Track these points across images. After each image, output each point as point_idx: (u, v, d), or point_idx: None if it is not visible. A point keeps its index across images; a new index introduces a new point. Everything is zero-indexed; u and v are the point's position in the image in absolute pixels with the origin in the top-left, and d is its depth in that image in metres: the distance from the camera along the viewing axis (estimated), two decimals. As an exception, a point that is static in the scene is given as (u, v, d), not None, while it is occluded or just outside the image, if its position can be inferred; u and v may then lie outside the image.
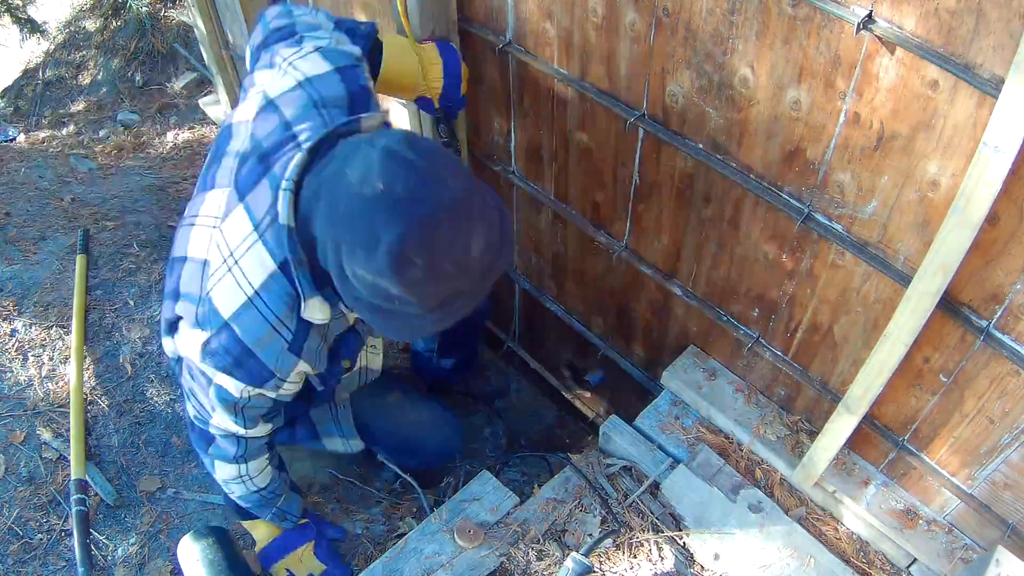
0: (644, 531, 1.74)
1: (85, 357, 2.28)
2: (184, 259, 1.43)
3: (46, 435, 2.09)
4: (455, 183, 1.17)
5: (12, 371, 2.24)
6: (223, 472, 1.65)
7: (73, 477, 1.96)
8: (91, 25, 5.03)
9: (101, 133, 4.38)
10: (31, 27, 4.86)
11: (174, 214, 3.20)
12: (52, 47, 5.09)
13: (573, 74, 1.74)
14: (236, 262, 1.32)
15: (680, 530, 1.75)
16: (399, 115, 2.37)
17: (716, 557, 1.69)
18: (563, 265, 2.29)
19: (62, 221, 2.86)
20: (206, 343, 1.35)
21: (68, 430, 2.07)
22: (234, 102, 3.55)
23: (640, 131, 1.69)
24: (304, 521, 1.89)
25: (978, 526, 1.61)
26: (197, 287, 1.38)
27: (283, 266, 1.30)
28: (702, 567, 1.69)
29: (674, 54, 1.49)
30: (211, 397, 1.43)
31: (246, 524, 1.90)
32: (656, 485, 1.83)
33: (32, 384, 2.21)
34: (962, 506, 1.61)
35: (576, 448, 2.01)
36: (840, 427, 1.59)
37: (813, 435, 1.80)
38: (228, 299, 1.33)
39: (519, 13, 1.75)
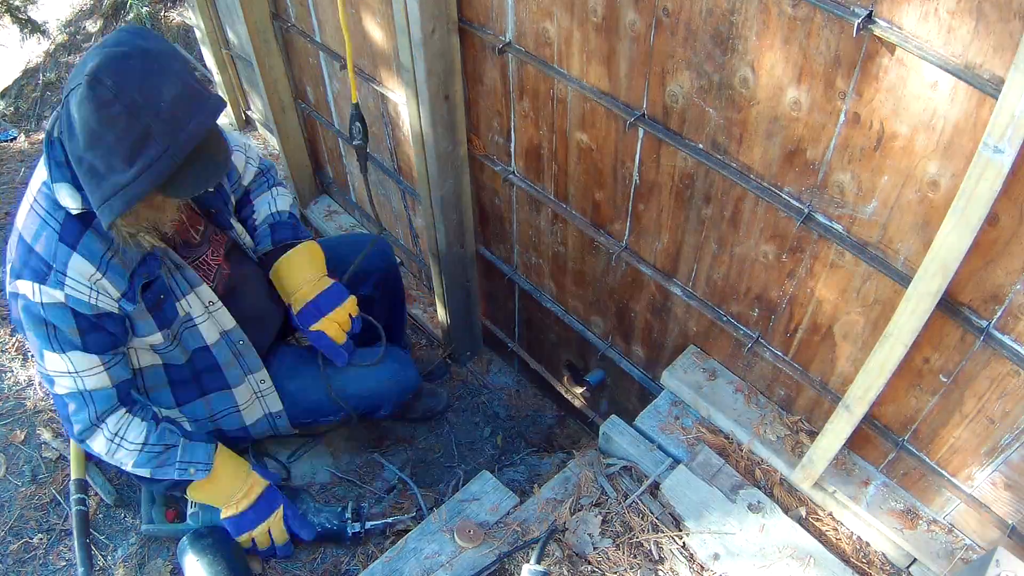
0: (644, 531, 1.74)
1: (85, 357, 2.28)
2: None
3: (46, 435, 2.09)
4: (157, 45, 1.40)
5: (12, 371, 2.24)
6: (97, 446, 1.67)
7: (73, 477, 1.96)
8: (92, 25, 5.03)
9: (101, 133, 4.38)
10: (31, 27, 4.87)
11: (174, 214, 3.20)
12: (52, 47, 5.09)
13: (573, 74, 1.74)
14: (31, 195, 1.54)
15: (680, 530, 1.75)
16: (401, 108, 2.37)
17: (716, 557, 1.69)
18: (563, 265, 2.29)
19: (62, 221, 2.86)
20: (11, 264, 1.54)
21: (68, 430, 2.07)
22: (233, 102, 3.56)
23: (640, 131, 1.69)
24: (262, 485, 1.87)
25: (978, 526, 1.61)
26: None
27: (49, 173, 1.47)
28: (702, 567, 1.69)
29: (674, 54, 1.49)
30: (22, 317, 1.54)
31: (193, 495, 1.83)
32: (656, 485, 1.83)
33: (32, 384, 2.21)
34: (962, 506, 1.61)
35: (576, 448, 2.01)
36: (840, 427, 1.59)
37: (813, 435, 1.80)
38: (21, 216, 1.55)
39: (519, 13, 1.75)
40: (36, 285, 1.49)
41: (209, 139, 1.40)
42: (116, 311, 1.57)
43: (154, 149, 1.32)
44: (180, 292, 1.69)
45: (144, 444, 1.68)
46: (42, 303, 1.50)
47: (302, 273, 1.92)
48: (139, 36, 1.39)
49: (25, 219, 1.53)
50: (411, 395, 2.21)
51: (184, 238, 1.72)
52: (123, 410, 1.68)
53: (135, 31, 1.40)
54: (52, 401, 1.80)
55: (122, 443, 1.67)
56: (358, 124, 1.97)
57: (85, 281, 1.50)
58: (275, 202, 2.01)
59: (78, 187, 1.45)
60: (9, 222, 2.75)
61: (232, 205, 1.93)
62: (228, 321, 1.80)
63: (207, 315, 1.75)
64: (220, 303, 1.77)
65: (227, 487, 1.83)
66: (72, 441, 2.02)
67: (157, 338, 1.67)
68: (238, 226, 1.93)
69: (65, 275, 1.49)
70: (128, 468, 1.71)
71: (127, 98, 1.30)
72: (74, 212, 1.48)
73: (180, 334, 1.73)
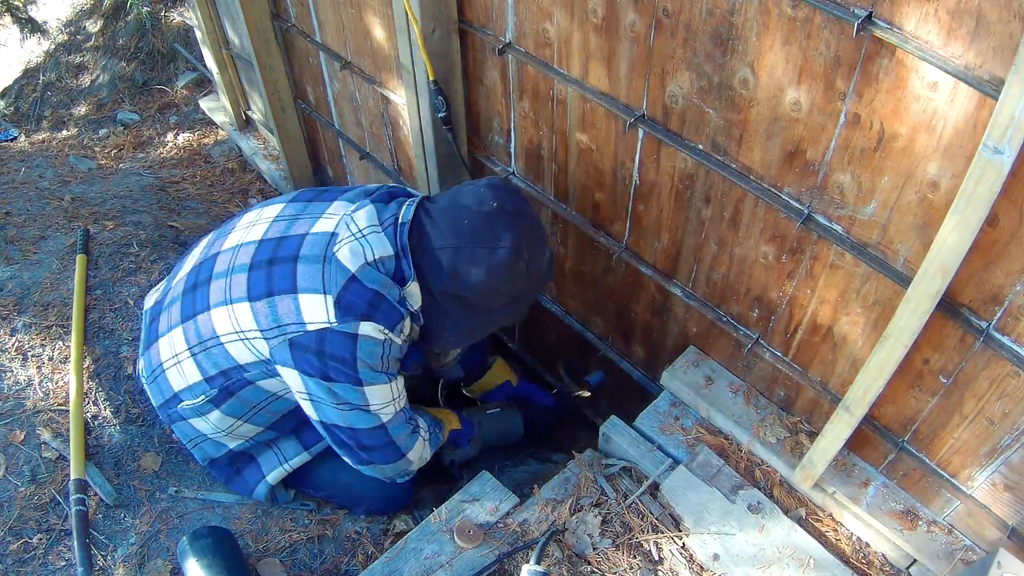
0: (643, 531, 1.74)
1: (85, 357, 2.28)
2: (301, 235, 1.66)
3: (46, 435, 2.09)
4: (535, 210, 1.72)
5: (12, 371, 2.24)
6: (416, 455, 1.83)
7: (73, 477, 1.96)
8: (92, 25, 5.03)
9: (101, 133, 4.38)
10: (32, 27, 4.88)
11: (174, 214, 3.20)
12: (53, 47, 5.09)
13: (573, 75, 1.74)
14: (364, 236, 1.62)
15: (679, 531, 1.75)
16: (401, 109, 2.37)
17: (715, 558, 1.69)
18: (563, 265, 2.29)
19: (62, 221, 2.86)
20: (337, 301, 1.56)
21: (68, 430, 2.07)
22: (234, 102, 3.55)
23: (640, 132, 1.69)
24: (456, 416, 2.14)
25: (978, 528, 1.60)
26: (320, 250, 1.62)
27: (396, 256, 1.62)
28: (701, 568, 1.69)
29: (674, 55, 1.49)
30: (357, 363, 1.58)
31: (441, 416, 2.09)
32: (656, 486, 1.83)
33: (32, 384, 2.21)
34: (962, 507, 1.61)
35: (576, 449, 2.01)
36: (840, 428, 1.59)
37: (813, 436, 1.80)
38: (353, 258, 1.59)
39: (519, 14, 1.75)
40: (386, 329, 1.59)
41: None
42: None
43: (520, 305, 1.74)
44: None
45: (431, 444, 1.91)
46: (389, 343, 1.61)
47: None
48: (524, 202, 1.68)
49: (362, 267, 1.58)
50: (392, 510, 2.19)
51: None
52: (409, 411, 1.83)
53: (517, 193, 1.68)
54: (334, 438, 1.78)
55: (430, 436, 1.90)
56: (441, 98, 1.98)
57: (407, 336, 1.68)
58: None
59: (424, 288, 1.64)
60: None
61: None
62: None
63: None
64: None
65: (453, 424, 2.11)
66: (71, 440, 2.03)
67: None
68: None
69: (404, 327, 1.64)
70: (423, 462, 1.91)
71: (534, 268, 1.65)
72: (413, 308, 1.66)
73: None
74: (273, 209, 1.79)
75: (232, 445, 1.91)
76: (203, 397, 1.76)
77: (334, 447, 1.77)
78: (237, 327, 1.63)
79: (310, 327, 1.56)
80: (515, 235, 1.58)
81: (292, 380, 1.63)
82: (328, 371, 1.57)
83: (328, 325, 1.55)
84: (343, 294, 1.55)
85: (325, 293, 1.56)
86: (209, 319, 1.68)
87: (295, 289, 1.58)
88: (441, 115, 1.99)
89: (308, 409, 1.68)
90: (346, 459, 1.78)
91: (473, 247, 1.58)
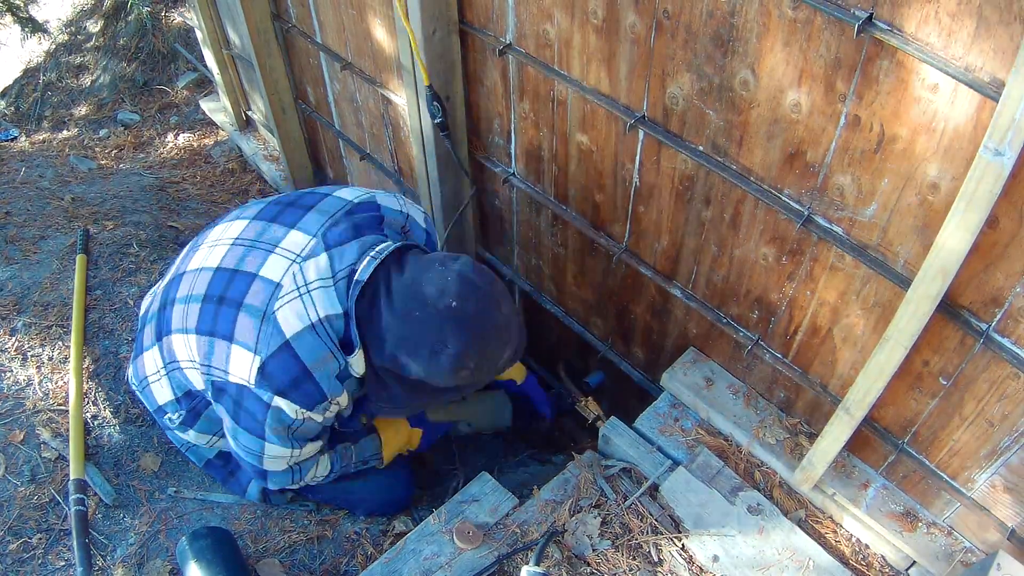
0: (643, 533, 1.74)
1: (85, 357, 2.28)
2: (251, 275, 1.56)
3: (45, 435, 2.08)
4: (505, 308, 1.55)
5: (12, 371, 2.24)
6: (291, 485, 1.80)
7: (72, 477, 1.96)
8: (92, 25, 5.03)
9: (102, 133, 4.38)
10: (32, 26, 4.88)
11: (174, 214, 3.20)
12: (53, 47, 5.09)
13: (573, 76, 1.74)
14: (308, 292, 1.51)
15: (679, 532, 1.74)
16: (402, 110, 2.37)
17: (715, 559, 1.69)
18: (563, 267, 2.29)
19: (62, 221, 2.86)
20: (262, 367, 1.47)
21: (67, 430, 2.07)
22: (234, 103, 3.56)
23: (640, 133, 1.69)
24: (418, 432, 2.07)
25: (978, 529, 1.60)
26: (262, 303, 1.52)
27: (344, 314, 1.52)
28: (701, 569, 1.69)
29: (674, 56, 1.49)
30: (265, 426, 1.54)
31: (387, 461, 2.03)
32: (655, 487, 1.83)
33: (32, 384, 2.21)
34: (962, 509, 1.61)
35: (576, 450, 2.01)
36: (839, 430, 1.59)
37: (812, 437, 1.80)
38: (293, 320, 1.49)
39: (519, 15, 1.76)
40: (302, 409, 1.53)
41: None
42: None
43: (469, 387, 1.65)
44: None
45: (332, 467, 1.86)
46: (303, 420, 1.56)
47: None
48: (492, 304, 1.52)
49: (301, 332, 1.49)
50: (392, 511, 2.18)
51: None
52: (315, 462, 1.80)
53: (486, 293, 1.52)
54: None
55: (315, 477, 1.84)
56: (436, 104, 1.96)
57: (336, 406, 1.61)
58: None
59: (367, 358, 1.56)
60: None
61: None
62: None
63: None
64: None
65: (399, 447, 2.03)
66: (71, 440, 2.03)
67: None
68: None
69: (331, 404, 1.57)
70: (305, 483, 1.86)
71: (481, 373, 1.56)
72: (357, 375, 1.57)
73: None
74: (237, 227, 1.70)
75: (223, 447, 1.93)
76: (178, 415, 1.82)
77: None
78: (190, 354, 1.63)
79: (231, 378, 1.54)
80: (463, 343, 1.47)
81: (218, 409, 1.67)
82: (239, 418, 1.58)
83: (247, 384, 1.52)
84: (269, 361, 1.48)
85: (255, 353, 1.49)
86: (171, 343, 1.68)
87: (232, 338, 1.52)
88: (437, 121, 1.99)
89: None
90: None
91: (415, 343, 1.48)
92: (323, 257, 1.55)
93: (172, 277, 1.78)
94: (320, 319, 1.50)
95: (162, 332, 1.72)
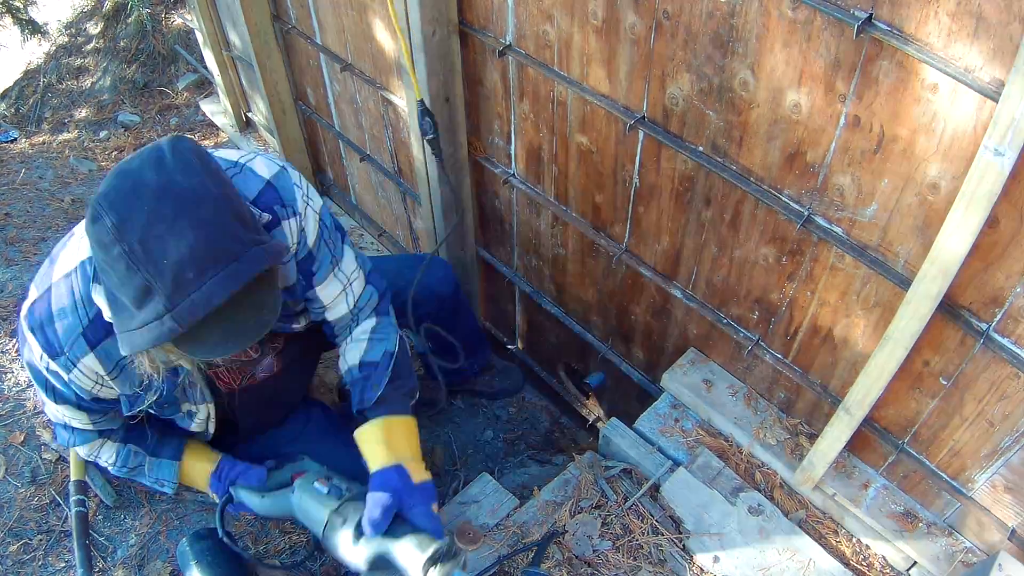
0: (644, 534, 1.74)
1: (85, 358, 2.28)
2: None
3: (46, 436, 2.08)
4: (186, 180, 1.14)
5: (12, 372, 2.24)
6: (80, 451, 1.69)
7: (72, 478, 1.96)
8: (92, 27, 5.04)
9: (102, 134, 4.39)
10: (32, 28, 4.88)
11: (174, 215, 3.20)
12: (53, 48, 5.10)
13: (573, 77, 1.74)
14: (75, 257, 1.35)
15: (680, 533, 1.74)
16: (402, 111, 2.37)
17: (716, 560, 1.69)
18: (563, 267, 2.29)
19: (62, 222, 2.86)
20: (32, 303, 1.38)
21: (68, 431, 2.07)
22: (234, 104, 3.56)
23: (640, 134, 1.69)
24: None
25: (979, 529, 1.60)
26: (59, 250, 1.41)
27: (93, 264, 1.32)
28: (701, 569, 1.69)
29: (674, 57, 1.49)
30: (24, 360, 1.45)
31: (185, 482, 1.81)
32: (656, 487, 1.83)
33: (32, 384, 2.21)
34: (962, 509, 1.61)
35: (576, 451, 2.01)
36: (840, 430, 1.59)
37: (813, 438, 1.80)
38: (64, 262, 1.36)
39: (519, 16, 1.76)
40: (45, 355, 1.37)
41: (238, 301, 1.16)
42: (116, 399, 1.50)
43: (154, 310, 1.12)
44: (191, 400, 1.62)
45: (115, 462, 1.71)
46: (47, 370, 1.40)
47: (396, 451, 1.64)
48: (164, 165, 1.15)
49: (60, 279, 1.35)
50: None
51: (234, 356, 1.60)
52: (97, 440, 1.66)
53: (168, 155, 1.16)
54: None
55: (98, 458, 1.70)
56: (428, 120, 1.94)
57: (92, 376, 1.41)
58: (345, 357, 1.72)
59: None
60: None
61: (305, 318, 1.69)
62: (212, 427, 1.75)
63: (202, 423, 1.71)
64: (214, 419, 1.72)
65: (201, 486, 1.81)
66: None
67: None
68: (303, 320, 1.70)
69: (75, 365, 1.38)
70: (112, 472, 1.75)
71: (126, 245, 1.10)
72: (106, 319, 1.29)
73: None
74: None
75: None
76: None
77: None
78: None
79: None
80: (105, 189, 1.15)
81: None
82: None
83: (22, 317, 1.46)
84: (37, 301, 1.39)
85: (36, 287, 1.44)
86: None
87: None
88: (429, 138, 1.97)
89: None
90: None
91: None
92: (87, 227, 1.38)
93: None
94: (83, 262, 1.34)
95: None
